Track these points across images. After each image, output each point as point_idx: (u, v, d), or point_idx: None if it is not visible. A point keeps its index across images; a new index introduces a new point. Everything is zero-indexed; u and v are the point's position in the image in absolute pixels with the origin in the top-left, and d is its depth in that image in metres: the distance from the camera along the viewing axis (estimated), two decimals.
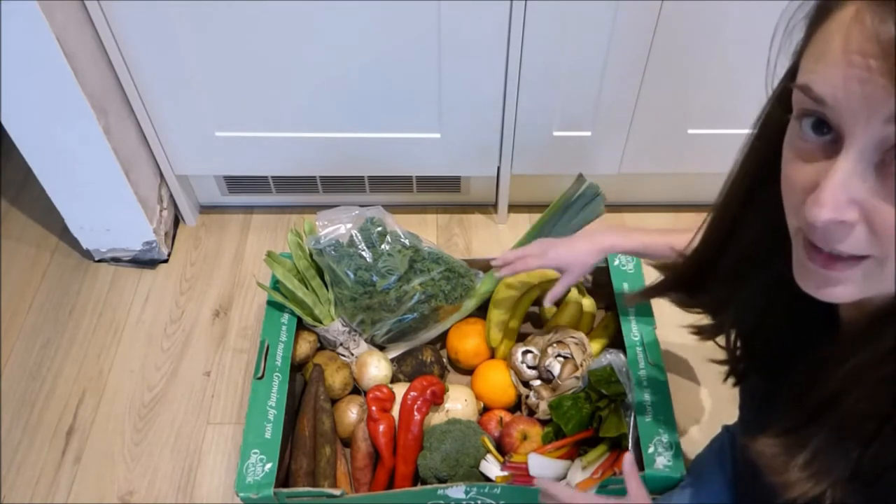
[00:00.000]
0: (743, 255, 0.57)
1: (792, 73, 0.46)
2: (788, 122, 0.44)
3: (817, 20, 0.41)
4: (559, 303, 1.17)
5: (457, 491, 0.93)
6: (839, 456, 0.47)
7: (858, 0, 0.37)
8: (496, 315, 1.11)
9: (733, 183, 0.56)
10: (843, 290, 0.43)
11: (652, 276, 1.08)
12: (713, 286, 0.62)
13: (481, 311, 1.15)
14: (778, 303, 0.56)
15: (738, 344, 0.64)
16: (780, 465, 0.49)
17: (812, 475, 0.48)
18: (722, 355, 0.66)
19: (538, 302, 1.19)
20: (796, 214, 0.43)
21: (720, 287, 0.61)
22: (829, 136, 0.40)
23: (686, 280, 0.66)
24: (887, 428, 0.45)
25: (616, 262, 1.13)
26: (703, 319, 0.68)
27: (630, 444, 0.94)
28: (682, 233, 0.75)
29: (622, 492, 0.93)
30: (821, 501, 0.48)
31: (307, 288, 1.09)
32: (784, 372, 0.57)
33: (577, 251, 0.97)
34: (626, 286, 1.10)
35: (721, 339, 0.66)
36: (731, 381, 0.68)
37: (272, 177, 1.39)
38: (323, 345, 1.14)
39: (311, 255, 1.11)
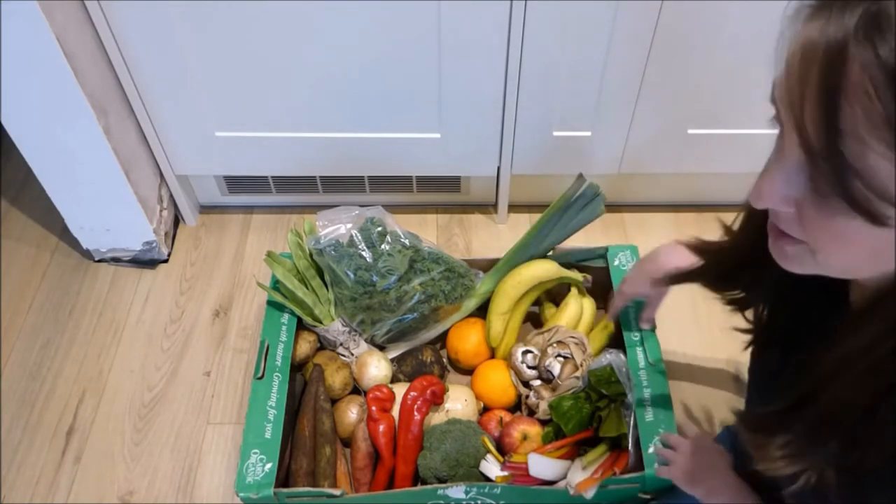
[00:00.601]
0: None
1: None
2: None
3: (793, 21, 0.42)
4: (559, 302, 1.17)
5: (457, 491, 0.93)
6: (817, 442, 0.50)
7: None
8: (496, 315, 1.11)
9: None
10: (791, 263, 0.47)
11: None
12: (746, 270, 0.64)
13: (481, 311, 1.15)
14: (801, 284, 0.56)
15: (765, 318, 0.67)
16: (760, 442, 0.53)
17: (787, 456, 0.51)
18: (744, 325, 0.69)
19: (538, 302, 1.19)
20: None
21: (752, 270, 0.62)
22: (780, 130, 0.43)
23: (724, 267, 0.68)
24: (871, 424, 0.46)
25: (616, 262, 1.13)
26: (734, 294, 0.70)
27: (630, 444, 0.94)
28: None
29: (622, 492, 0.93)
30: (795, 479, 0.51)
31: (307, 288, 1.09)
32: (796, 350, 0.59)
33: (657, 272, 0.93)
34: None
35: (749, 314, 0.69)
36: (749, 351, 0.71)
37: (272, 177, 1.39)
38: (323, 345, 1.14)
39: (311, 255, 1.11)
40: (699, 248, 0.70)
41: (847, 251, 0.43)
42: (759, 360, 0.71)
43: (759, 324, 0.68)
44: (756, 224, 0.60)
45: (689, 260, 0.92)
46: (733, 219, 0.65)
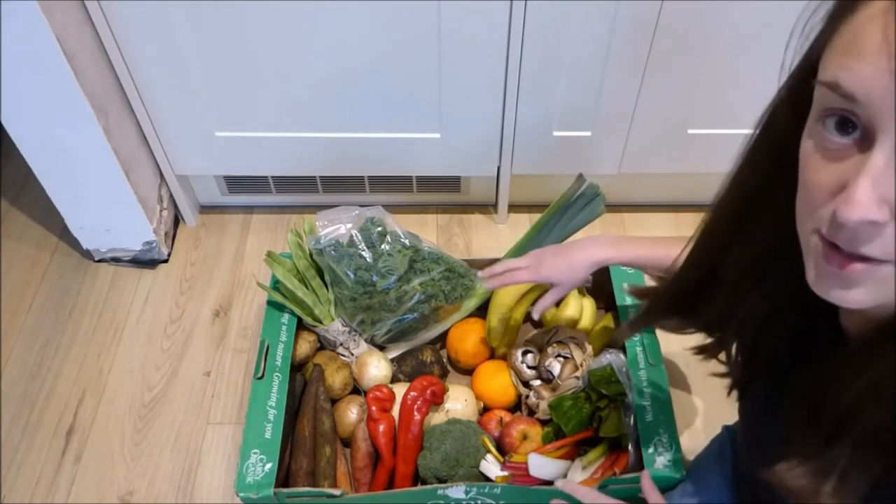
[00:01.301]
0: (743, 270, 0.55)
1: (804, 71, 0.44)
2: (795, 123, 0.43)
3: (842, 14, 0.39)
4: (558, 303, 1.17)
5: (457, 491, 0.93)
6: (866, 472, 0.46)
7: None
8: (496, 315, 1.11)
9: (730, 194, 0.53)
10: (857, 293, 0.41)
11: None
12: (709, 304, 0.60)
13: (481, 311, 1.15)
14: (780, 315, 0.55)
15: (740, 358, 0.63)
16: (810, 494, 0.48)
17: (843, 497, 0.47)
18: (722, 369, 0.65)
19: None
20: (814, 215, 0.41)
21: (718, 304, 0.59)
22: (855, 134, 0.39)
23: (679, 302, 0.64)
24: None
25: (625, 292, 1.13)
26: (705, 339, 0.66)
27: (630, 444, 0.94)
28: (681, 242, 0.74)
29: (622, 492, 0.93)
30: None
31: (307, 288, 1.09)
32: (788, 385, 0.56)
33: (569, 265, 0.93)
34: (626, 286, 1.10)
35: (723, 355, 0.65)
36: (734, 394, 0.67)
37: (272, 177, 1.39)
38: (323, 345, 1.14)
39: (311, 255, 1.11)
40: (646, 291, 0.69)
41: None
42: (745, 402, 0.69)
43: (736, 369, 0.64)
44: (711, 250, 0.57)
45: (613, 253, 0.91)
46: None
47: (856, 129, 0.38)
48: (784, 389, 0.57)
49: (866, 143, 0.38)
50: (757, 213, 0.52)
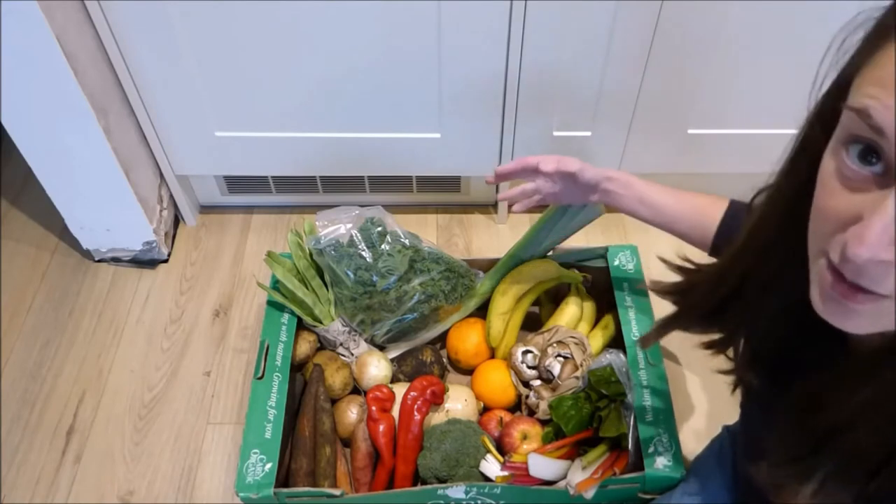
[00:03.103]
0: (766, 283, 0.54)
1: (836, 92, 0.43)
2: (825, 141, 0.42)
3: (881, 41, 0.38)
4: (559, 302, 1.17)
5: (457, 491, 0.93)
6: (845, 485, 0.46)
7: None
8: (496, 315, 1.11)
9: (770, 206, 0.52)
10: (856, 322, 0.41)
11: (652, 275, 1.08)
12: (731, 312, 0.60)
13: (481, 311, 1.15)
14: (793, 322, 0.54)
15: (748, 356, 0.63)
16: (788, 494, 0.48)
17: (820, 502, 0.47)
18: (727, 366, 0.65)
19: (538, 302, 1.19)
20: (824, 241, 0.41)
21: (738, 311, 0.59)
22: (877, 167, 0.37)
23: (705, 312, 0.63)
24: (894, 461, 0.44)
25: (616, 262, 1.13)
26: (712, 335, 0.66)
27: (630, 444, 0.94)
28: (704, 202, 0.72)
29: (622, 492, 0.93)
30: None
31: (307, 288, 1.09)
32: (789, 389, 0.56)
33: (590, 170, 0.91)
34: (626, 286, 1.10)
35: (730, 352, 0.65)
36: (737, 394, 0.67)
37: (272, 177, 1.39)
38: (323, 345, 1.14)
39: (311, 255, 1.11)
40: (676, 291, 0.67)
41: None
42: (747, 401, 0.69)
43: (742, 367, 0.64)
44: (744, 265, 0.56)
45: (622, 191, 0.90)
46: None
47: (879, 160, 0.37)
48: (785, 392, 0.57)
49: (887, 178, 0.37)
50: (793, 224, 0.50)
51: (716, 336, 0.65)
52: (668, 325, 0.69)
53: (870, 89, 0.37)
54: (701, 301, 0.63)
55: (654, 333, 0.73)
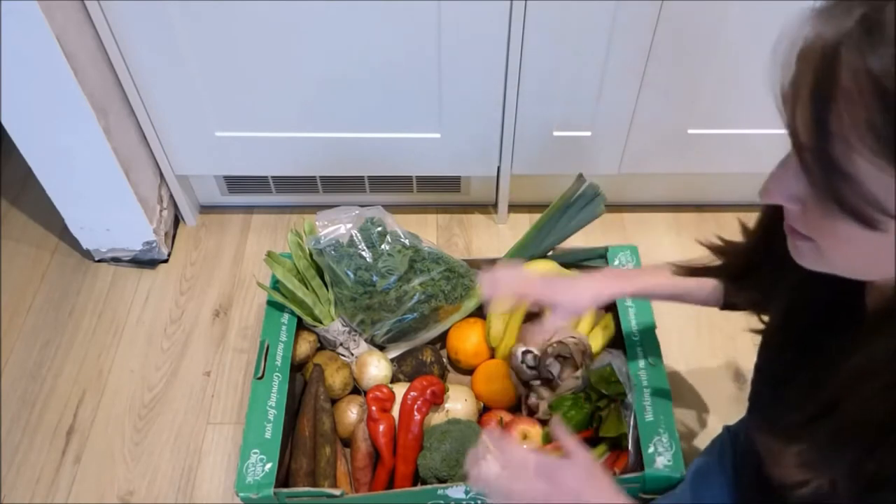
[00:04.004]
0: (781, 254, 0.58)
1: None
2: None
3: None
4: None
5: (457, 491, 0.93)
6: (835, 453, 0.49)
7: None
8: (496, 315, 1.11)
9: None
10: (803, 259, 0.47)
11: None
12: (762, 270, 0.64)
13: (481, 311, 1.15)
14: (819, 286, 0.56)
15: (779, 318, 0.66)
16: (777, 452, 0.52)
17: (802, 464, 0.50)
18: (759, 326, 0.69)
19: None
20: None
21: (768, 270, 0.62)
22: None
23: (736, 270, 0.68)
24: (891, 438, 0.45)
25: (616, 263, 1.13)
26: (750, 294, 0.70)
27: (630, 444, 0.94)
28: (670, 269, 0.78)
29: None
30: (805, 483, 0.50)
31: (307, 288, 1.09)
32: (808, 354, 0.58)
33: (578, 300, 0.89)
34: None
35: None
36: (738, 392, 0.69)
37: (272, 177, 1.39)
38: (323, 345, 1.14)
39: (311, 255, 1.11)
40: (719, 247, 0.70)
41: (848, 252, 0.44)
42: (768, 362, 0.70)
43: (772, 325, 0.68)
44: (772, 223, 0.60)
45: (620, 287, 0.90)
46: (752, 219, 0.65)
47: None
48: (802, 361, 0.59)
49: None
50: None
51: (756, 296, 0.69)
52: (704, 269, 0.73)
53: None
54: (735, 261, 0.69)
55: (690, 270, 0.76)
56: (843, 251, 0.44)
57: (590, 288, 0.89)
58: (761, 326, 0.69)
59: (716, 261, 0.70)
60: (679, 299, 0.88)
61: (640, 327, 1.05)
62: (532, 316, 1.21)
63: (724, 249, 0.70)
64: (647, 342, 1.03)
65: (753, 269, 0.66)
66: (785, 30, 0.41)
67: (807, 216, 0.44)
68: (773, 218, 0.60)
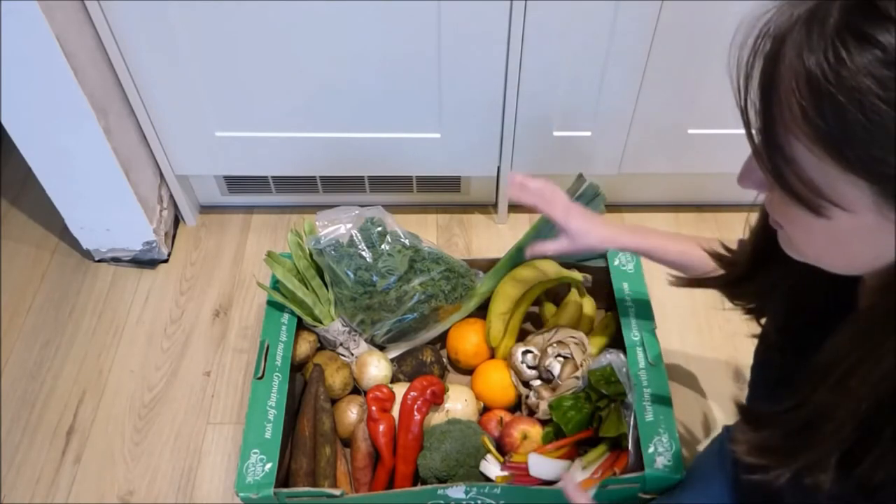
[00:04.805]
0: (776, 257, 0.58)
1: None
2: None
3: None
4: (559, 302, 1.17)
5: (457, 491, 0.93)
6: (800, 444, 0.50)
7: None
8: (496, 315, 1.11)
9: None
10: (784, 247, 0.49)
11: (653, 274, 1.08)
12: (757, 277, 0.64)
13: (481, 311, 1.15)
14: (814, 289, 0.58)
15: (778, 322, 0.66)
16: (748, 433, 0.53)
17: (763, 449, 0.52)
18: (759, 331, 0.69)
19: (538, 302, 1.19)
20: None
21: (763, 277, 0.63)
22: None
23: (740, 275, 0.68)
24: (879, 439, 0.46)
25: (616, 262, 1.13)
26: (748, 303, 0.69)
27: (630, 444, 0.94)
28: (692, 240, 0.77)
29: (622, 492, 0.93)
30: (795, 490, 0.50)
31: (307, 288, 1.09)
32: (803, 356, 0.58)
33: (588, 235, 0.92)
34: (626, 286, 1.10)
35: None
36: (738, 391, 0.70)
37: (272, 177, 1.39)
38: (323, 345, 1.14)
39: (311, 255, 1.11)
40: (720, 256, 0.70)
41: (807, 240, 0.46)
42: (763, 363, 0.71)
43: (769, 327, 0.68)
44: (766, 228, 0.60)
45: (632, 239, 0.91)
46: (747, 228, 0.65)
47: None
48: (799, 363, 0.59)
49: None
50: None
51: (751, 303, 0.69)
52: (704, 281, 0.74)
53: None
54: (739, 267, 0.68)
55: (688, 281, 0.78)
56: (802, 238, 0.46)
57: (604, 229, 0.92)
58: (759, 330, 0.69)
59: (716, 270, 0.70)
60: (684, 270, 0.89)
61: (640, 327, 1.05)
62: (532, 316, 1.21)
63: (724, 258, 0.70)
64: (647, 343, 1.03)
65: (750, 277, 0.66)
66: (751, 12, 0.42)
67: (772, 204, 0.47)
68: (766, 221, 0.60)
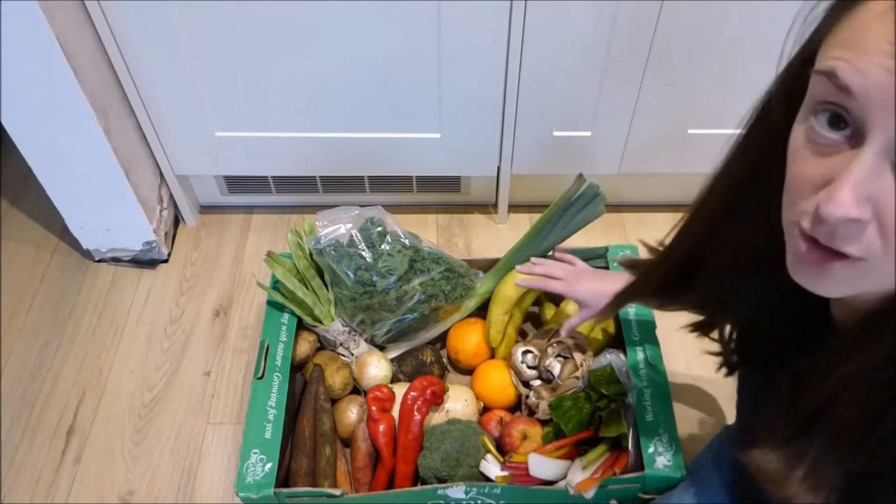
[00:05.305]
0: (735, 254, 0.56)
1: (801, 61, 0.44)
2: (787, 113, 0.43)
3: (847, 8, 0.39)
4: (558, 302, 1.17)
5: (457, 491, 0.93)
6: (836, 464, 0.47)
7: None
8: (496, 315, 1.11)
9: (720, 181, 0.55)
10: (830, 285, 0.42)
11: None
12: (700, 286, 0.62)
13: (481, 311, 1.15)
14: (773, 300, 0.56)
15: (733, 337, 0.65)
16: (781, 479, 0.49)
17: (812, 487, 0.48)
18: (717, 348, 0.67)
19: (538, 302, 1.19)
20: (796, 208, 0.42)
21: (711, 285, 0.60)
22: (846, 131, 0.39)
23: (666, 281, 0.65)
24: (878, 431, 0.44)
25: (616, 262, 1.13)
26: (698, 317, 0.68)
27: (630, 444, 0.94)
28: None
29: (622, 492, 0.93)
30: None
31: (307, 288, 1.09)
32: (778, 370, 0.57)
33: (602, 293, 0.91)
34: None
35: (715, 333, 0.67)
36: (724, 371, 0.69)
37: (272, 177, 1.39)
38: (323, 345, 1.14)
39: (311, 255, 1.11)
40: (633, 264, 0.69)
41: None
42: (742, 385, 0.70)
43: (727, 348, 0.66)
44: (697, 237, 0.59)
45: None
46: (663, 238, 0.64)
47: (847, 126, 0.39)
48: (773, 376, 0.58)
49: (855, 139, 0.38)
50: (745, 202, 0.52)
51: (700, 319, 0.68)
52: (626, 294, 0.71)
53: (835, 51, 0.38)
54: (655, 272, 0.66)
55: (612, 305, 0.75)
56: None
57: (607, 282, 0.94)
58: (716, 348, 0.68)
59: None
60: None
61: (640, 327, 1.05)
62: (532, 316, 1.21)
63: (641, 268, 0.68)
64: (647, 342, 1.03)
65: (686, 285, 0.63)
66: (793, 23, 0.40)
67: (883, 224, 0.38)
68: (702, 230, 0.58)
